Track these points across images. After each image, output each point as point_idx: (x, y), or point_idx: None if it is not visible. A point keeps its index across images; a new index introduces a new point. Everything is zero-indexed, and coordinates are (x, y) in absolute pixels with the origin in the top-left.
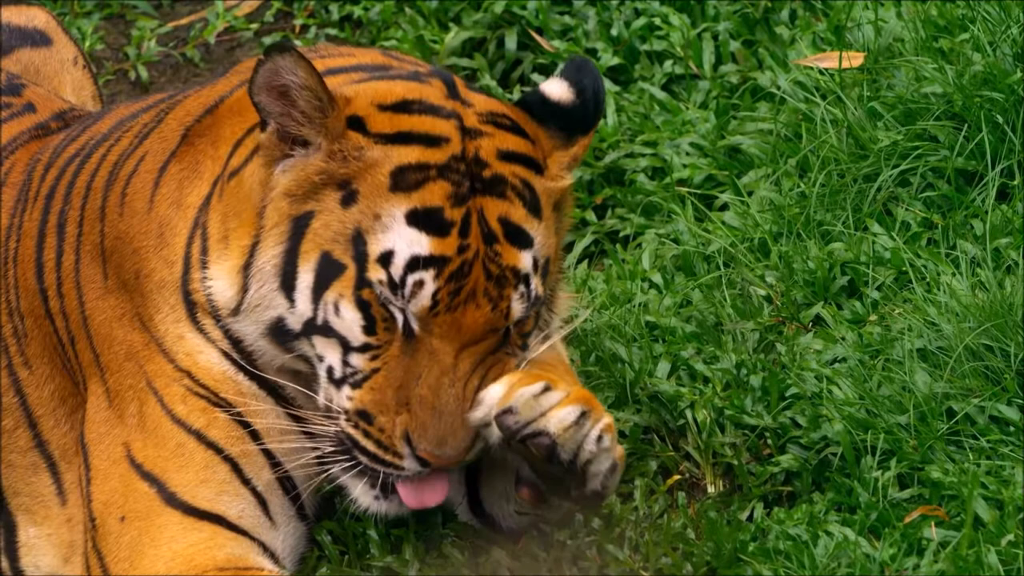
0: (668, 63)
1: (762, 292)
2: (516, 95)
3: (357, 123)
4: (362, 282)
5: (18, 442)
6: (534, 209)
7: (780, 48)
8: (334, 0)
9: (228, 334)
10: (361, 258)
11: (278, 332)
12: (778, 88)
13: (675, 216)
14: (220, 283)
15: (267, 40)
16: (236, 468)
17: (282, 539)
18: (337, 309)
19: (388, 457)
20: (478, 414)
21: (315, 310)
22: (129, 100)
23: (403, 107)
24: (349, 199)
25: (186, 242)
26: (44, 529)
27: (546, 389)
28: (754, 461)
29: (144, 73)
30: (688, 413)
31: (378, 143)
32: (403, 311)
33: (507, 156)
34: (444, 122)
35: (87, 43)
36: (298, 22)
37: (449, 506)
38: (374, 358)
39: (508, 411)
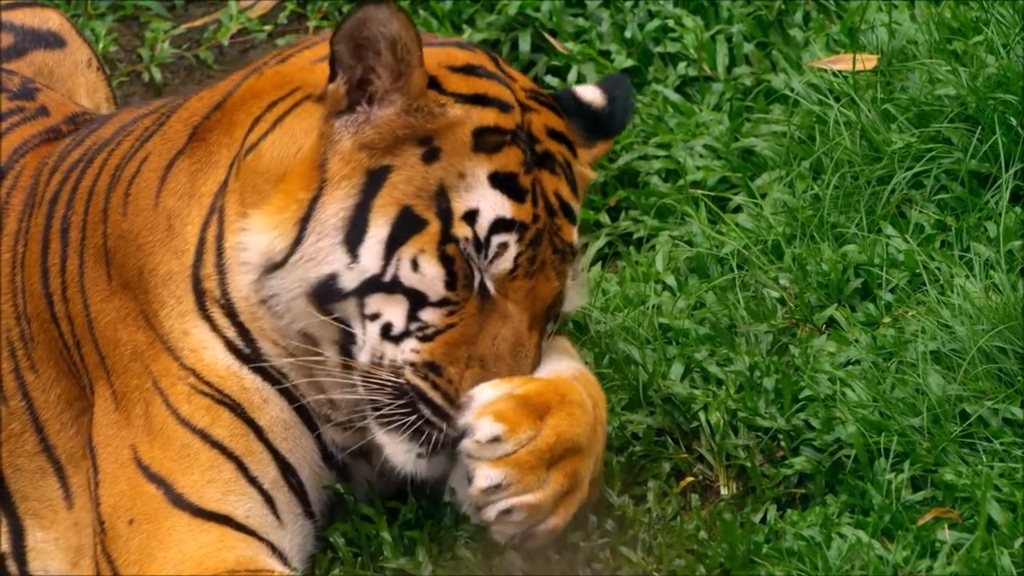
0: (682, 65)
1: (775, 294)
2: None
3: (432, 82)
4: (447, 238)
5: (25, 446)
6: (574, 189)
7: (794, 50)
8: (347, 1)
9: (235, 319)
10: (445, 215)
11: (324, 290)
12: (792, 90)
13: (689, 218)
14: (262, 237)
15: (280, 42)
16: (241, 466)
17: (290, 538)
18: (416, 264)
19: (450, 410)
20: (461, 419)
21: (384, 266)
22: (135, 104)
23: (470, 70)
24: (431, 155)
25: (200, 229)
26: (52, 533)
27: (494, 440)
28: (767, 463)
29: (158, 75)
30: (701, 415)
31: (458, 102)
32: (480, 272)
33: (553, 134)
34: (506, 90)
35: (100, 45)
36: (312, 23)
37: (459, 506)
38: (451, 313)
39: (467, 431)
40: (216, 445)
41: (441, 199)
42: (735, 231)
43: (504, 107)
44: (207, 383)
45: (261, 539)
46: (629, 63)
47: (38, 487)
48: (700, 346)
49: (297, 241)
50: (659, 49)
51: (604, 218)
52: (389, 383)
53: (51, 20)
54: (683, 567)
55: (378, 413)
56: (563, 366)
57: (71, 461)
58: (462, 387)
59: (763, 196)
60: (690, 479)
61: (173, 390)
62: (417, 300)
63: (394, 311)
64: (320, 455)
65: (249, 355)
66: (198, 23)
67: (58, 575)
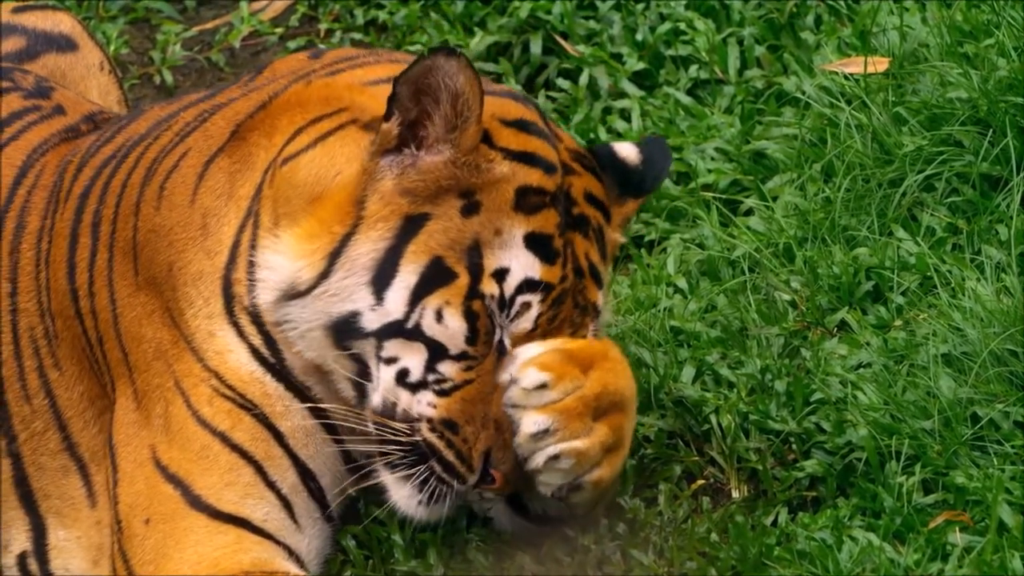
0: (693, 68)
1: (787, 297)
2: (542, 99)
3: (484, 135)
4: (474, 293)
5: (48, 444)
6: (604, 254)
7: (805, 53)
8: (359, 4)
9: (262, 327)
10: (476, 270)
11: (344, 327)
12: (803, 93)
13: (700, 221)
14: (289, 263)
15: (292, 44)
16: (261, 471)
17: (307, 542)
18: (440, 316)
19: (462, 470)
20: (504, 374)
21: (408, 313)
22: (160, 102)
23: (522, 126)
24: (471, 209)
25: (236, 231)
26: (74, 532)
27: (542, 386)
28: (779, 466)
29: (169, 77)
30: (713, 418)
31: (506, 159)
32: (500, 328)
33: (590, 199)
34: (552, 151)
35: (112, 47)
36: (323, 26)
37: (480, 508)
38: (468, 368)
39: (511, 384)
40: (236, 448)
41: (474, 254)
42: (746, 234)
43: (549, 168)
44: (230, 387)
45: (278, 542)
46: (640, 66)
47: (60, 485)
48: (711, 349)
49: (324, 275)
50: (670, 52)
51: None
52: (402, 435)
53: (63, 23)
54: (694, 569)
55: (386, 460)
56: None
57: (94, 459)
58: (475, 448)
59: (774, 199)
60: (701, 482)
61: (195, 391)
62: (437, 351)
63: (412, 359)
64: (342, 462)
65: (273, 364)
66: (209, 25)
67: (79, 574)
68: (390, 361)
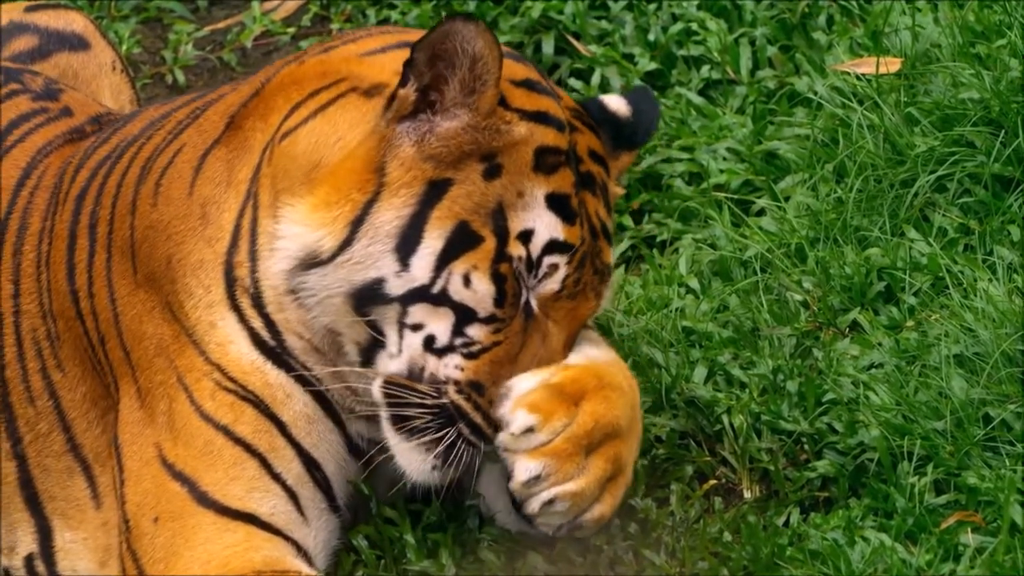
0: (705, 68)
1: (799, 297)
2: None
3: (499, 98)
4: (501, 256)
5: (53, 446)
6: (609, 210)
7: (817, 53)
8: (371, 4)
9: (262, 310)
10: (502, 232)
11: (367, 293)
12: (815, 93)
13: (712, 221)
14: (308, 231)
15: (304, 44)
16: (265, 463)
17: (314, 535)
18: (468, 280)
19: (489, 431)
20: (499, 410)
21: (434, 278)
22: (159, 102)
23: (531, 86)
24: (493, 172)
25: (236, 216)
26: (80, 533)
27: (528, 431)
28: (791, 466)
29: (181, 77)
30: (725, 418)
31: (522, 120)
32: (527, 291)
33: (594, 156)
34: (560, 109)
35: (124, 47)
36: (335, 26)
37: (487, 511)
38: (497, 331)
39: (503, 425)
40: (239, 442)
41: (498, 217)
42: (758, 234)
43: (560, 127)
44: (231, 379)
45: (286, 538)
46: (652, 66)
47: (66, 487)
48: (723, 349)
49: (347, 242)
50: (682, 52)
51: (627, 221)
52: (428, 398)
53: (75, 22)
54: (706, 570)
55: (397, 420)
56: (597, 352)
57: (98, 460)
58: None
59: (786, 199)
60: (713, 482)
61: (197, 386)
62: (465, 315)
63: (439, 324)
64: (346, 448)
65: (273, 347)
66: (221, 25)
67: (87, 575)
68: (416, 327)
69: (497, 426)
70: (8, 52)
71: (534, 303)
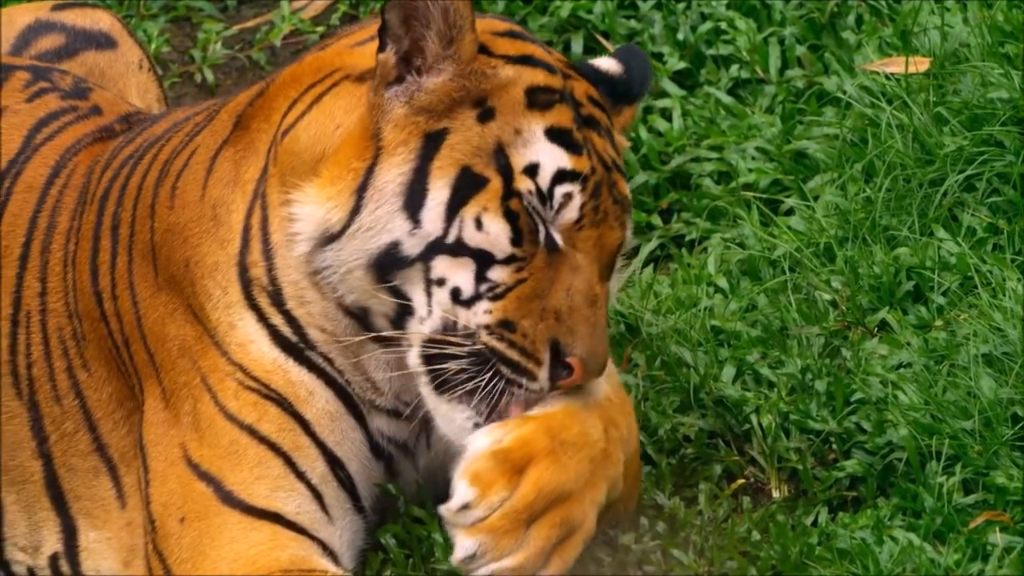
0: (734, 67)
1: (827, 297)
2: None
3: (481, 48)
4: (509, 193)
5: (79, 445)
6: (617, 152)
7: (846, 53)
8: None
9: (282, 307)
10: (506, 171)
11: (386, 259)
12: (844, 93)
13: (741, 220)
14: (316, 208)
15: None
16: (289, 462)
17: (339, 534)
18: (480, 223)
19: (529, 365)
20: (459, 465)
21: (447, 228)
22: (188, 104)
23: (514, 35)
24: (487, 115)
25: (244, 216)
26: (104, 533)
27: (465, 507)
28: (819, 466)
29: (210, 76)
30: (753, 418)
31: (508, 63)
32: (546, 224)
33: (592, 101)
34: (548, 55)
35: (152, 46)
36: None
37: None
38: (519, 269)
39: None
40: (264, 441)
41: (500, 156)
42: (787, 233)
43: (550, 68)
44: (254, 378)
45: (312, 537)
46: (681, 65)
47: (91, 487)
48: (752, 349)
49: (355, 211)
50: (711, 51)
51: (656, 220)
52: (463, 347)
53: (103, 21)
54: (735, 569)
55: (436, 383)
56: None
57: (123, 460)
58: (537, 340)
59: (815, 198)
60: (741, 481)
61: (221, 386)
62: (484, 260)
63: (461, 274)
64: (368, 447)
65: (295, 343)
66: (250, 24)
67: (110, 575)
68: (440, 282)
69: (539, 359)
70: (34, 50)
71: (557, 236)
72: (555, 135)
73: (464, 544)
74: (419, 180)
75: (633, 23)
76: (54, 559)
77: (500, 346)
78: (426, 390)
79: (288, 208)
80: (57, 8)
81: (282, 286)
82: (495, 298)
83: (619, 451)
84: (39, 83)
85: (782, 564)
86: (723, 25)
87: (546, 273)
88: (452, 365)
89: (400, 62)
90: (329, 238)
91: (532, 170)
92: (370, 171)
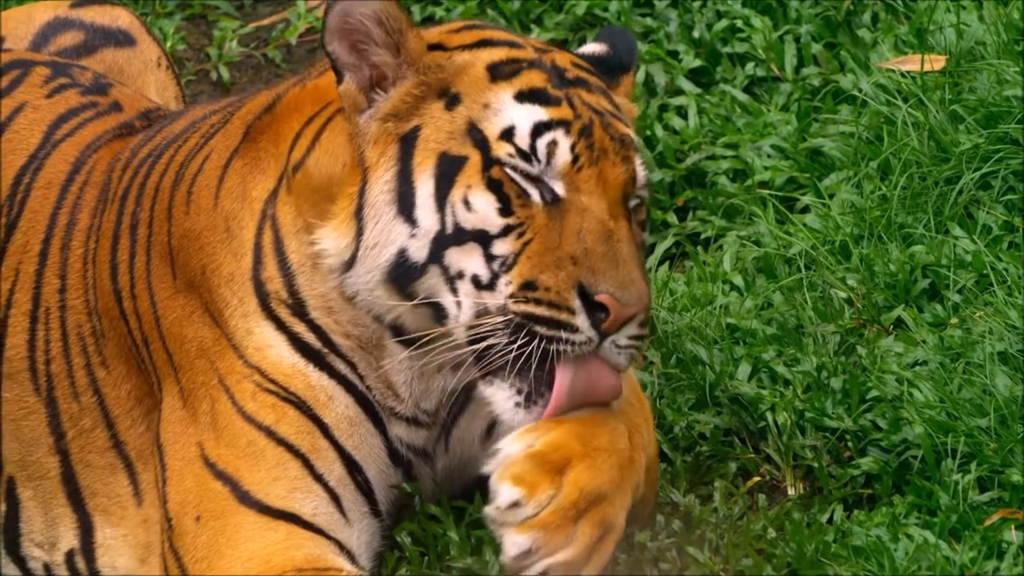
0: (750, 65)
1: (843, 295)
2: None
3: (435, 47)
4: (489, 162)
5: (96, 442)
6: (616, 107)
7: (862, 51)
8: (416, 1)
9: (305, 316)
10: (482, 143)
11: (400, 270)
12: (860, 91)
13: (756, 218)
14: (331, 241)
15: None
16: (307, 464)
17: (356, 536)
18: (468, 203)
19: (562, 316)
20: (488, 467)
21: (442, 218)
22: (207, 102)
23: (471, 27)
24: (453, 101)
25: (254, 235)
26: (120, 530)
27: (515, 505)
28: (834, 464)
29: (226, 74)
30: (769, 415)
31: (463, 51)
32: (540, 178)
33: (579, 66)
34: (511, 35)
35: (169, 43)
36: None
37: None
38: (520, 235)
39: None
40: (282, 443)
41: (474, 132)
42: (803, 231)
43: (512, 44)
44: (272, 381)
45: (328, 537)
46: (697, 63)
47: (108, 483)
48: (767, 346)
49: (359, 233)
50: (727, 49)
51: (671, 218)
52: (499, 323)
53: (121, 18)
54: (750, 567)
55: (485, 362)
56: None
57: (140, 458)
58: (562, 288)
59: (831, 196)
60: (757, 479)
61: (238, 388)
62: (483, 239)
63: (473, 261)
64: (387, 453)
65: (318, 349)
66: (266, 22)
67: (126, 572)
68: (460, 276)
69: (571, 308)
70: (53, 47)
71: (556, 185)
72: (526, 96)
73: (516, 541)
74: (404, 181)
75: (649, 21)
76: (70, 555)
77: (528, 308)
78: (476, 374)
79: (312, 247)
80: (76, 5)
81: (305, 299)
82: (509, 268)
83: (643, 456)
84: (59, 79)
85: (797, 562)
86: (739, 23)
87: (552, 226)
88: (492, 342)
89: (363, 88)
90: (348, 265)
91: (508, 133)
92: (362, 192)
